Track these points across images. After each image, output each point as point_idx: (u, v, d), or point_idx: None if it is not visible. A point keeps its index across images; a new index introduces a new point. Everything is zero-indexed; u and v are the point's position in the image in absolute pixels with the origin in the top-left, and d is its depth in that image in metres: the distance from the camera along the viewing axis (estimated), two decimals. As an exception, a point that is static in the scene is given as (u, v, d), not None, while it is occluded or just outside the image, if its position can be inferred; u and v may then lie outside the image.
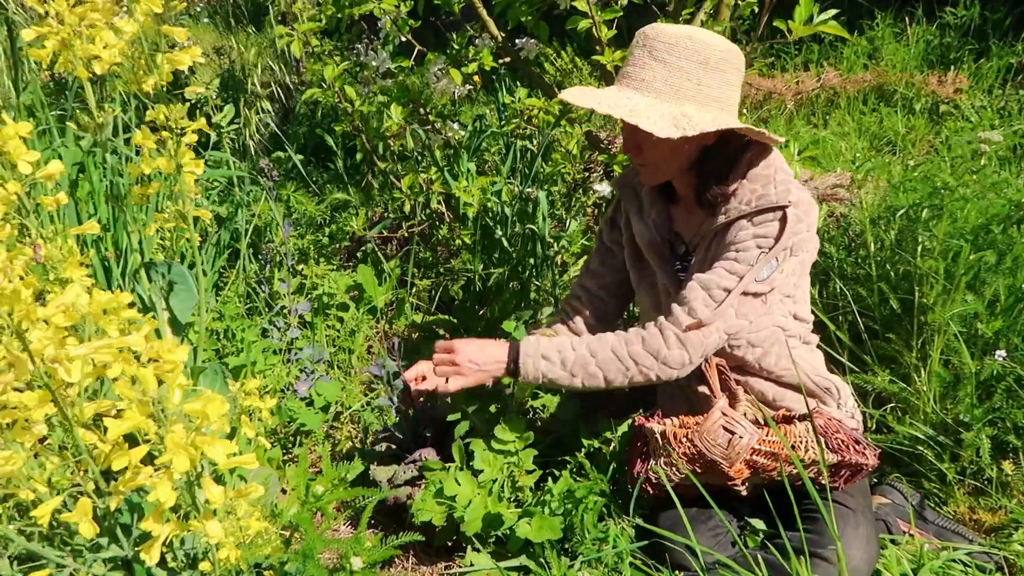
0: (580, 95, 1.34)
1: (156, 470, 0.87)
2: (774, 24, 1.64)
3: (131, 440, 0.87)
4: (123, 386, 0.88)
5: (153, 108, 1.13)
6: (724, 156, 1.37)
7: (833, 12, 1.61)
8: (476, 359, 1.45)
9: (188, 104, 1.16)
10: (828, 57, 4.13)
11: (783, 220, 1.33)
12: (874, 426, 1.73)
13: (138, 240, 1.52)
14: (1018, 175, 2.43)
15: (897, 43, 3.99)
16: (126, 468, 0.86)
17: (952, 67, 3.77)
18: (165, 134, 1.17)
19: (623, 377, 1.39)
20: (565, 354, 1.41)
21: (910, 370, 1.71)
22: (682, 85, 1.28)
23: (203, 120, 1.16)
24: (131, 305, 1.05)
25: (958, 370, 1.63)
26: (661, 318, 1.40)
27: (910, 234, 1.80)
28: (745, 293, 1.34)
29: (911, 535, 1.48)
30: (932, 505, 1.59)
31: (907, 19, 4.03)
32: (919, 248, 1.75)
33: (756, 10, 1.96)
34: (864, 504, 1.40)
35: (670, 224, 1.54)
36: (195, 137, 1.17)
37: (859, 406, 1.59)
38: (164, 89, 1.15)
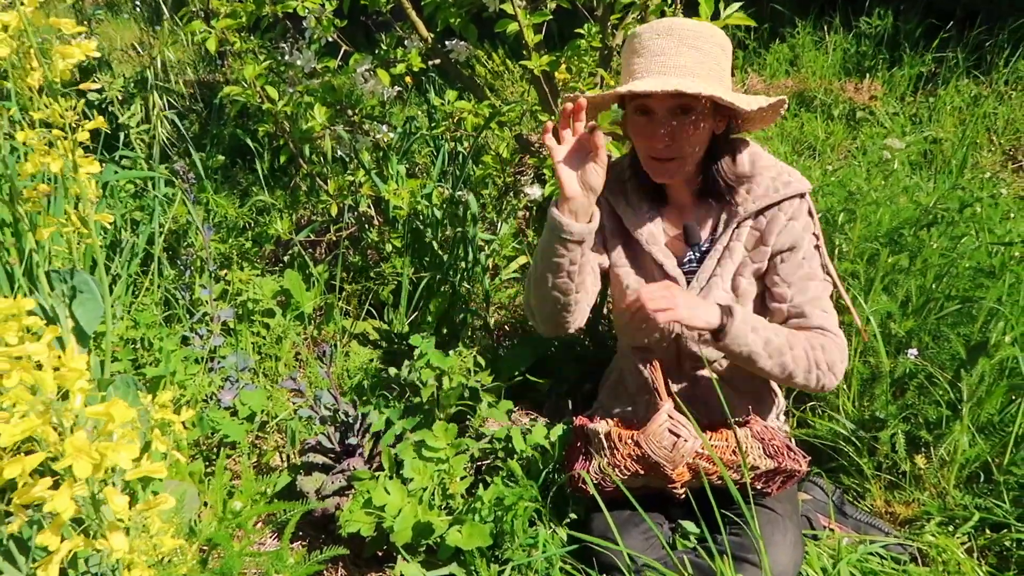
0: (640, 84, 1.28)
1: (56, 480, 0.82)
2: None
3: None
4: (20, 394, 0.83)
5: (47, 107, 1.06)
6: (730, 145, 1.40)
7: (737, 5, 1.66)
8: (692, 302, 1.32)
9: (81, 100, 1.09)
10: (752, 63, 4.25)
11: (809, 210, 1.38)
12: (795, 423, 1.78)
13: (34, 245, 1.43)
14: (929, 180, 2.54)
15: (817, 51, 4.13)
16: (22, 482, 0.80)
17: (868, 75, 3.93)
18: (56, 132, 1.10)
19: (804, 377, 1.35)
20: (769, 334, 1.34)
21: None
22: (712, 69, 1.30)
23: (100, 118, 1.09)
24: (31, 313, 0.98)
25: (875, 368, 1.69)
26: (824, 329, 1.37)
27: (827, 237, 1.85)
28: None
29: (831, 530, 1.53)
30: (851, 500, 1.64)
31: (826, 28, 4.18)
32: (836, 251, 1.81)
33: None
34: (792, 509, 1.43)
35: (663, 219, 1.50)
36: (87, 135, 1.10)
37: (785, 405, 1.64)
38: (59, 86, 1.08)
